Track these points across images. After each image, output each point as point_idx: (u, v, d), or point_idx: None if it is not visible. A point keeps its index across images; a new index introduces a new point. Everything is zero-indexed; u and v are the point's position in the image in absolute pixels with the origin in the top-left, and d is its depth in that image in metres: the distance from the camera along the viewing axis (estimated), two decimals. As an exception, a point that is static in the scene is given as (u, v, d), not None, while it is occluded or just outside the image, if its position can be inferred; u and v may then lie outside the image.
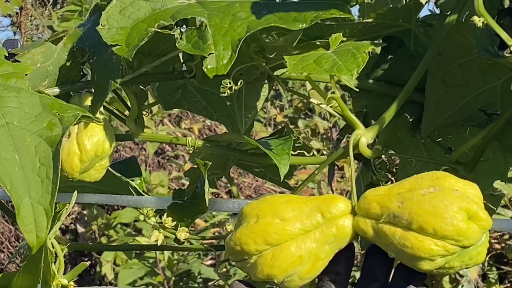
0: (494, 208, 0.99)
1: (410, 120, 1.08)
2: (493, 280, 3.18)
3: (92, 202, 1.04)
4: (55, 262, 0.97)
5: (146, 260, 3.35)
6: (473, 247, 0.80)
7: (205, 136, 4.51)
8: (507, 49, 0.87)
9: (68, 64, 1.01)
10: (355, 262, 3.43)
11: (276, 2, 0.91)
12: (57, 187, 0.85)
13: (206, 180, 0.94)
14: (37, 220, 0.85)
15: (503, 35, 0.82)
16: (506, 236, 3.07)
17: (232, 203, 0.98)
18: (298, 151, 1.00)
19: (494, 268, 3.23)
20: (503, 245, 3.13)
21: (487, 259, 3.16)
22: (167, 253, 3.27)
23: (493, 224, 0.81)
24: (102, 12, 0.93)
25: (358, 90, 0.87)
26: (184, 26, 0.97)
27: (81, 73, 1.04)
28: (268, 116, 4.70)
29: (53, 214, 0.86)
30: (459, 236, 0.78)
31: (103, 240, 3.69)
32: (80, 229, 3.98)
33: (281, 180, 0.97)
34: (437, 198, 0.79)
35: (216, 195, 3.82)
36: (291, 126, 4.69)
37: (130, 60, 0.87)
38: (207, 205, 0.95)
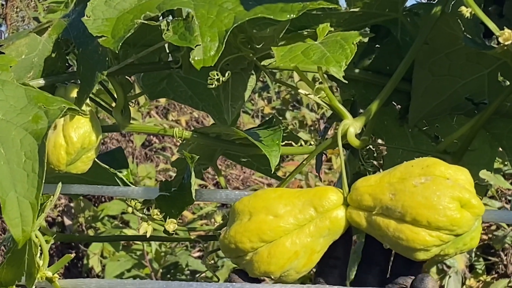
0: (480, 197, 1.01)
1: (398, 109, 1.08)
2: (480, 271, 3.22)
3: (78, 192, 1.04)
4: (40, 255, 0.98)
5: (134, 252, 3.38)
6: (467, 233, 0.82)
7: (192, 128, 4.54)
8: (493, 38, 0.88)
9: (53, 55, 1.01)
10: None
11: None
12: (43, 181, 0.85)
13: (193, 173, 0.94)
14: (23, 214, 0.86)
15: (491, 25, 0.84)
16: (494, 227, 3.11)
17: (219, 193, 0.98)
18: (286, 141, 1.00)
19: (481, 259, 3.28)
20: (490, 236, 3.17)
21: (474, 250, 3.19)
22: (154, 245, 3.31)
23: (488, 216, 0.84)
24: (88, 3, 0.93)
25: (346, 81, 0.88)
26: (170, 16, 0.96)
27: (66, 64, 1.04)
28: (256, 107, 4.74)
29: (39, 208, 0.86)
30: (453, 226, 0.80)
31: (90, 232, 3.72)
32: (67, 222, 3.99)
33: (272, 172, 0.98)
34: (429, 189, 0.81)
35: (204, 187, 3.85)
36: (280, 118, 4.76)
37: (116, 51, 0.87)
38: (194, 196, 0.96)
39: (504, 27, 0.83)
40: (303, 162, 0.98)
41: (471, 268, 3.31)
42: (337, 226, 0.86)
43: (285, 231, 0.86)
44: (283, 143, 0.97)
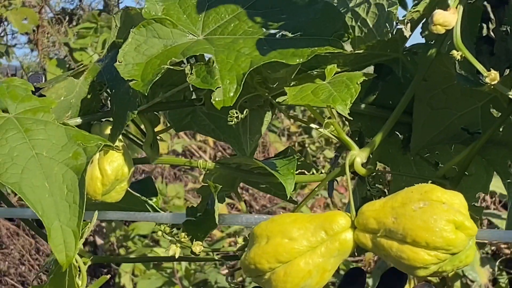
0: (477, 217, 1.05)
1: (401, 139, 1.11)
2: (503, 285, 3.17)
3: (113, 218, 1.10)
4: (79, 276, 1.04)
5: (164, 270, 3.37)
6: (462, 252, 0.85)
7: (219, 147, 4.52)
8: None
9: (88, 96, 1.05)
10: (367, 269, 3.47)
11: (277, 38, 0.96)
12: (84, 211, 0.90)
13: (216, 200, 1.00)
14: (66, 241, 0.90)
15: (479, 67, 0.87)
16: (516, 241, 3.07)
17: (240, 218, 1.04)
18: (300, 170, 1.05)
19: (504, 273, 3.23)
20: (512, 250, 3.15)
21: (497, 264, 3.16)
22: (184, 264, 3.29)
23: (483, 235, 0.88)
24: (119, 50, 0.98)
25: (351, 118, 0.92)
26: (194, 58, 1.02)
27: (101, 104, 1.09)
28: (282, 126, 4.69)
29: (80, 235, 0.92)
30: (449, 246, 0.83)
31: (122, 251, 3.70)
32: (99, 241, 3.98)
33: (288, 198, 1.03)
34: (427, 213, 0.84)
35: (232, 205, 3.85)
36: (305, 136, 4.66)
37: (146, 94, 0.92)
38: (217, 221, 1.01)
39: (491, 68, 0.88)
40: (315, 189, 1.04)
41: (494, 282, 3.28)
42: (346, 247, 0.89)
43: (299, 253, 0.89)
44: (297, 171, 1.04)
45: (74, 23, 4.83)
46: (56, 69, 4.18)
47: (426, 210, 0.85)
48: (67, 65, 4.23)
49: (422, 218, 0.84)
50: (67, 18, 4.81)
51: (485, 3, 1.04)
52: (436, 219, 0.84)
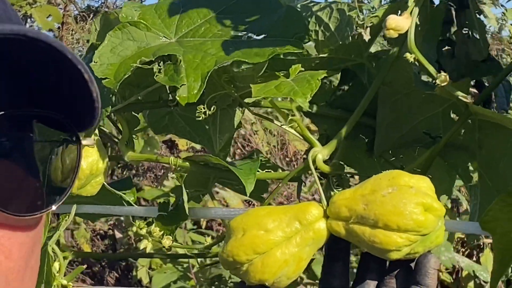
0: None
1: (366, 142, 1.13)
2: None
3: (89, 212, 1.14)
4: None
5: (180, 265, 3.40)
6: (432, 233, 0.88)
7: (238, 144, 4.54)
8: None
9: None
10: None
11: (242, 40, 1.01)
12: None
13: (184, 191, 1.04)
14: None
15: (430, 68, 0.91)
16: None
17: (209, 211, 1.08)
18: (267, 169, 1.09)
19: None
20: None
21: None
22: (200, 259, 3.34)
23: (447, 225, 0.91)
24: (95, 51, 1.02)
25: (309, 110, 0.97)
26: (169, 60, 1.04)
27: None
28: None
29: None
30: (419, 227, 0.86)
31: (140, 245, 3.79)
32: (118, 235, 4.07)
33: (248, 195, 1.06)
34: (396, 198, 0.88)
35: (249, 202, 3.86)
36: None
37: (116, 90, 0.96)
38: (187, 213, 1.06)
39: (441, 70, 0.91)
40: (279, 185, 1.07)
41: (508, 283, 3.24)
42: (320, 236, 0.93)
43: (275, 243, 0.91)
44: (264, 171, 1.08)
45: (98, 20, 4.89)
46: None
47: (395, 195, 0.88)
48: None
49: (392, 203, 0.87)
50: (91, 15, 4.88)
51: (448, 6, 1.08)
52: (406, 202, 0.87)
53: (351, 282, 0.99)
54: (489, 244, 3.64)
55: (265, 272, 0.92)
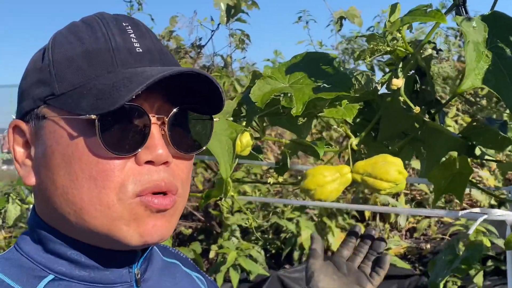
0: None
1: (373, 135, 1.89)
2: None
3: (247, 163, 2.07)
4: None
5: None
6: (400, 184, 1.45)
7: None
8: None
9: (236, 107, 1.88)
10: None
11: (320, 87, 1.84)
12: (234, 156, 1.73)
13: (288, 157, 2.02)
14: (225, 168, 1.76)
15: (409, 103, 1.74)
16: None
17: (298, 166, 2.05)
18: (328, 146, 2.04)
19: None
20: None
21: None
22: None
23: (408, 180, 1.95)
24: (250, 89, 1.75)
25: (353, 123, 1.90)
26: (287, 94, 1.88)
27: (240, 110, 1.88)
28: None
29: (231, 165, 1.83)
30: (395, 180, 1.43)
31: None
32: None
33: (319, 158, 2.00)
34: (386, 166, 1.43)
35: None
36: None
37: (262, 108, 1.81)
38: (288, 166, 2.06)
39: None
40: (334, 155, 2.07)
41: None
42: (348, 180, 1.50)
43: (326, 182, 1.47)
44: (327, 146, 2.06)
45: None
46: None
47: (385, 165, 1.44)
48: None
49: (384, 168, 1.43)
50: (206, 70, 5.70)
51: (415, 75, 1.93)
52: (389, 168, 1.43)
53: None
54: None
55: (322, 194, 1.49)
